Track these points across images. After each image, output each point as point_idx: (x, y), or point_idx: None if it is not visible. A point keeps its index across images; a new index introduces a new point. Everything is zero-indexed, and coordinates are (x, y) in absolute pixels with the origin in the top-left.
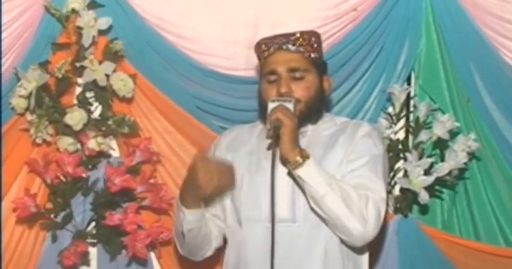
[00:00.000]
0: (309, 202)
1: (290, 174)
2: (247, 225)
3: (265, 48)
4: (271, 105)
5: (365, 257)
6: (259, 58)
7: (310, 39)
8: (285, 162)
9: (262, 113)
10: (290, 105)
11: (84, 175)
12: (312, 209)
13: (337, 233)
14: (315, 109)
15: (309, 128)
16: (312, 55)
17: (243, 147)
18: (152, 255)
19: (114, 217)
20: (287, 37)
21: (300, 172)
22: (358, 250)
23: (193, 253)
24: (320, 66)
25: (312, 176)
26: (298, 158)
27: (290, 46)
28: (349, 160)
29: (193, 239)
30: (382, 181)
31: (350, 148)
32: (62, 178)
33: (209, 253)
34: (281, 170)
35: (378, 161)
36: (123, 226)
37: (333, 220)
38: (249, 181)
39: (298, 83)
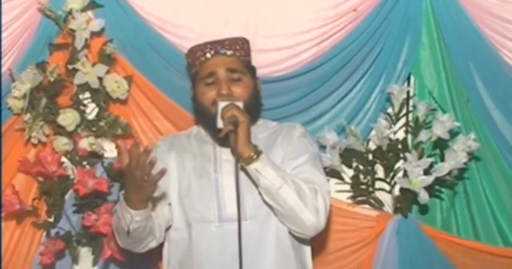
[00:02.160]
0: (261, 196)
1: (244, 171)
2: (197, 226)
3: (201, 53)
4: (221, 104)
5: (309, 249)
6: (192, 64)
7: (243, 44)
8: (238, 157)
9: (201, 116)
10: (240, 104)
11: (69, 174)
12: (266, 203)
13: (289, 224)
14: (253, 109)
15: None
16: (246, 59)
17: (186, 151)
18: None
19: (90, 218)
20: (221, 43)
21: (255, 166)
22: (304, 242)
23: (134, 246)
24: (252, 70)
25: (267, 170)
26: (253, 154)
27: (226, 51)
28: (290, 158)
29: (138, 234)
30: (324, 175)
31: (289, 147)
32: (48, 176)
33: (152, 245)
34: (225, 172)
35: (317, 158)
36: (96, 227)
37: (287, 211)
38: (196, 184)
39: (237, 84)
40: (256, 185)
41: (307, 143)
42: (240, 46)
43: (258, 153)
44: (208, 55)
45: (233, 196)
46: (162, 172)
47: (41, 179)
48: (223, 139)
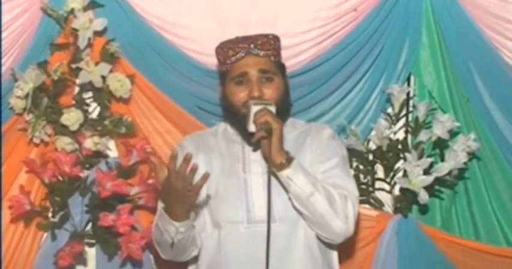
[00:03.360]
0: (291, 202)
1: (275, 175)
2: (226, 227)
3: (233, 53)
4: (254, 108)
5: (336, 253)
6: (223, 62)
7: (275, 43)
8: (269, 163)
9: (230, 115)
10: (273, 109)
11: (81, 175)
12: (295, 209)
13: (319, 230)
14: (284, 110)
15: None
16: (277, 59)
17: (213, 151)
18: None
19: (108, 218)
20: (254, 42)
21: (287, 172)
22: (332, 246)
23: (177, 257)
24: (283, 69)
25: (299, 177)
26: (285, 161)
27: (259, 51)
28: (319, 161)
29: (181, 245)
30: (353, 180)
31: (318, 149)
32: (59, 177)
33: (194, 253)
34: (254, 173)
35: (346, 162)
36: (116, 227)
37: (317, 218)
38: (224, 184)
39: (268, 85)
40: (286, 189)
41: (336, 145)
42: (272, 45)
43: (290, 160)
44: (240, 55)
45: (262, 197)
46: (205, 177)
47: (45, 179)
48: (254, 142)
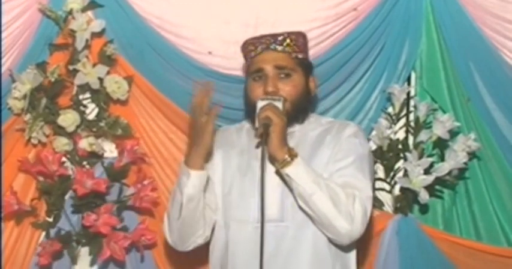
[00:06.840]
0: (297, 201)
1: (279, 173)
2: (235, 226)
3: (253, 47)
4: (260, 104)
5: (352, 255)
6: (245, 58)
7: (297, 40)
8: (273, 161)
9: (249, 112)
10: (279, 104)
11: (70, 173)
12: (300, 208)
13: (324, 231)
14: (301, 108)
15: (296, 129)
16: (299, 56)
17: (234, 147)
18: (150, 255)
19: (90, 218)
20: (274, 37)
21: (288, 170)
22: (346, 249)
23: (183, 237)
24: (306, 67)
25: (300, 175)
26: (287, 157)
27: (277, 46)
28: (336, 159)
29: (189, 213)
30: (368, 179)
31: (336, 147)
32: (49, 176)
33: (200, 241)
34: (270, 170)
35: (364, 160)
36: (96, 227)
37: (320, 218)
38: (239, 182)
39: (285, 82)
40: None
41: (357, 143)
42: (294, 42)
43: (292, 156)
44: (259, 49)
45: (276, 196)
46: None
47: (41, 178)
48: (260, 138)
